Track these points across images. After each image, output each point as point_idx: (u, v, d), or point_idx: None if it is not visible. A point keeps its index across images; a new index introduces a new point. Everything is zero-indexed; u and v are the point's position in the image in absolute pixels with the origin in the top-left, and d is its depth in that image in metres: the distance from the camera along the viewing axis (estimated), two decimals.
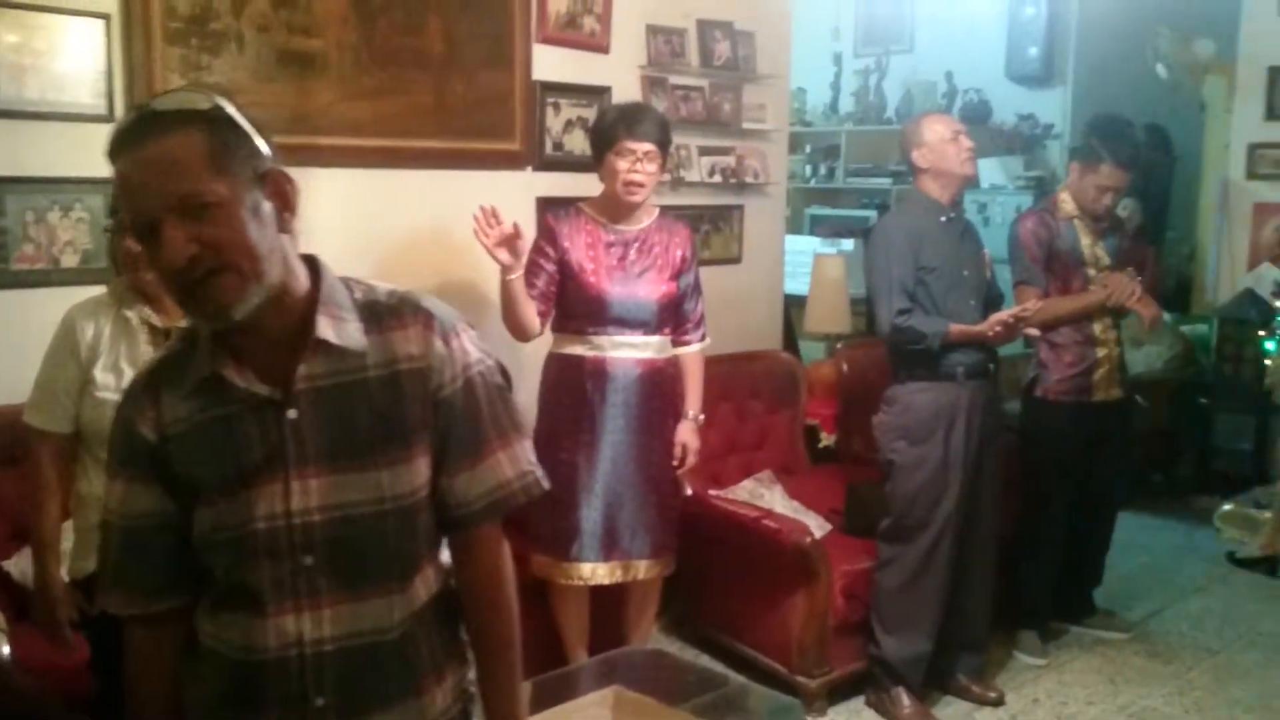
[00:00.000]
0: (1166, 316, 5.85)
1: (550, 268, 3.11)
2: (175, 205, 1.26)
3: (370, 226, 3.27)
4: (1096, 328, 3.71)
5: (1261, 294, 5.56)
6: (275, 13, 3.00)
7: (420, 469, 1.43)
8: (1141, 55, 6.55)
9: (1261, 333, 5.25)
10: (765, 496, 3.81)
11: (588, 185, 3.28)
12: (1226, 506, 5.25)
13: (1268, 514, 5.06)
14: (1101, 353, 3.72)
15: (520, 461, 1.50)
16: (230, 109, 1.35)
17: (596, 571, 3.13)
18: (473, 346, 1.48)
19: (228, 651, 1.42)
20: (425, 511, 1.46)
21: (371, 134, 3.23)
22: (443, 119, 3.39)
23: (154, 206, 1.27)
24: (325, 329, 1.38)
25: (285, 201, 1.38)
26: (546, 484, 1.54)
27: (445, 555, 1.54)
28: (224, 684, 1.43)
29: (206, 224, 1.27)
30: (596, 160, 3.15)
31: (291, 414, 1.37)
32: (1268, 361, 5.20)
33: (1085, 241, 3.71)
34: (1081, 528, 3.89)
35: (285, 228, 1.38)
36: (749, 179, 4.28)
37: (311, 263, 1.44)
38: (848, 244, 6.30)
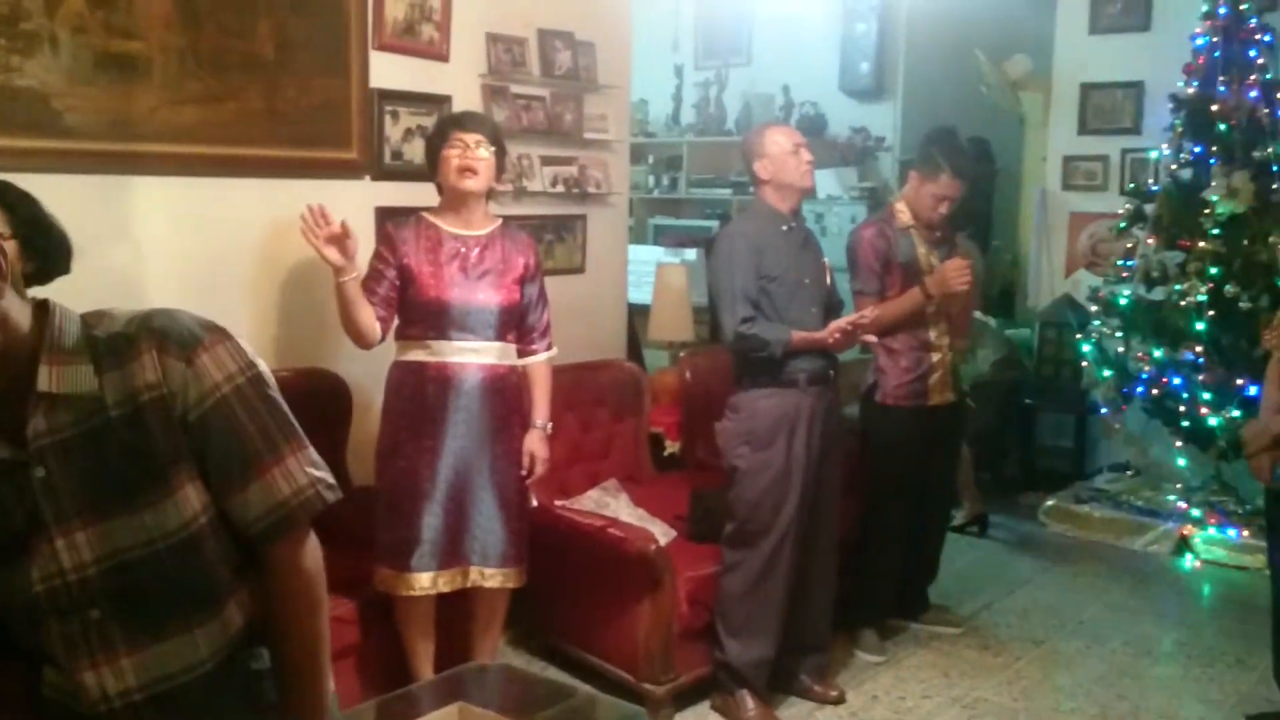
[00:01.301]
0: (991, 322, 6.13)
1: (390, 274, 3.06)
2: None
3: (200, 237, 3.15)
4: (932, 334, 3.84)
5: (1079, 299, 5.88)
6: (92, 13, 2.85)
7: (188, 500, 1.37)
8: (965, 71, 6.85)
9: (1079, 336, 5.54)
10: (611, 505, 3.81)
11: (428, 195, 3.24)
12: (1050, 502, 5.55)
13: (1086, 508, 5.36)
14: (936, 358, 3.86)
15: (296, 477, 1.42)
16: None
17: (437, 580, 3.08)
18: (230, 359, 1.39)
19: (67, 701, 1.39)
20: (212, 538, 1.40)
21: (199, 141, 3.10)
22: (275, 126, 3.28)
23: None
24: (46, 381, 1.31)
25: None
26: (332, 495, 1.46)
27: None
28: None
29: None
30: (431, 165, 3.13)
31: (39, 472, 1.31)
32: (1085, 363, 5.49)
33: (921, 250, 3.84)
34: (917, 527, 4.02)
35: None
36: (591, 189, 4.29)
37: (40, 307, 1.35)
38: (691, 253, 6.40)
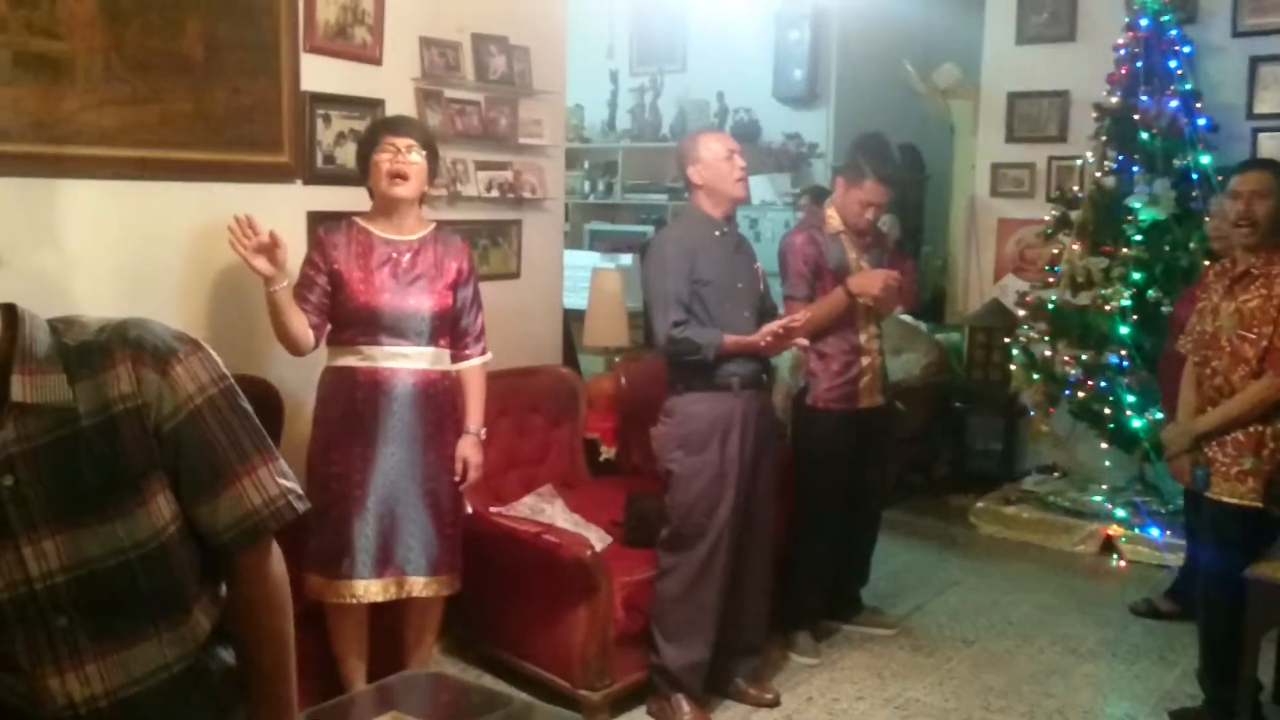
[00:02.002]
0: (922, 326, 6.23)
1: (322, 280, 3.03)
2: None
3: (128, 241, 3.09)
4: (861, 337, 3.89)
5: (1006, 303, 5.99)
6: (13, 12, 2.79)
7: (159, 510, 1.37)
8: (897, 79, 6.96)
9: (1007, 340, 5.64)
10: (546, 511, 3.81)
11: (361, 199, 3.21)
12: (980, 504, 5.64)
13: (1015, 509, 5.46)
14: (866, 361, 3.91)
15: (267, 487, 1.44)
16: None
17: (370, 589, 3.05)
18: (203, 370, 1.40)
19: (28, 709, 1.37)
20: (180, 547, 1.40)
21: (125, 144, 3.04)
22: (204, 129, 3.23)
23: None
24: (19, 390, 1.30)
25: None
26: (302, 505, 1.48)
27: None
28: None
29: None
30: (362, 170, 3.12)
31: (8, 480, 1.30)
32: (1013, 366, 5.60)
33: (851, 255, 3.89)
34: (849, 529, 4.07)
35: None
36: (527, 194, 4.28)
37: (9, 313, 1.34)
38: (627, 259, 6.41)
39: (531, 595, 3.50)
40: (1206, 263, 4.76)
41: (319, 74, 3.51)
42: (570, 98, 5.26)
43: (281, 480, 1.46)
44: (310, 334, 3.01)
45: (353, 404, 3.03)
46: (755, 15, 7.22)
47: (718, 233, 3.41)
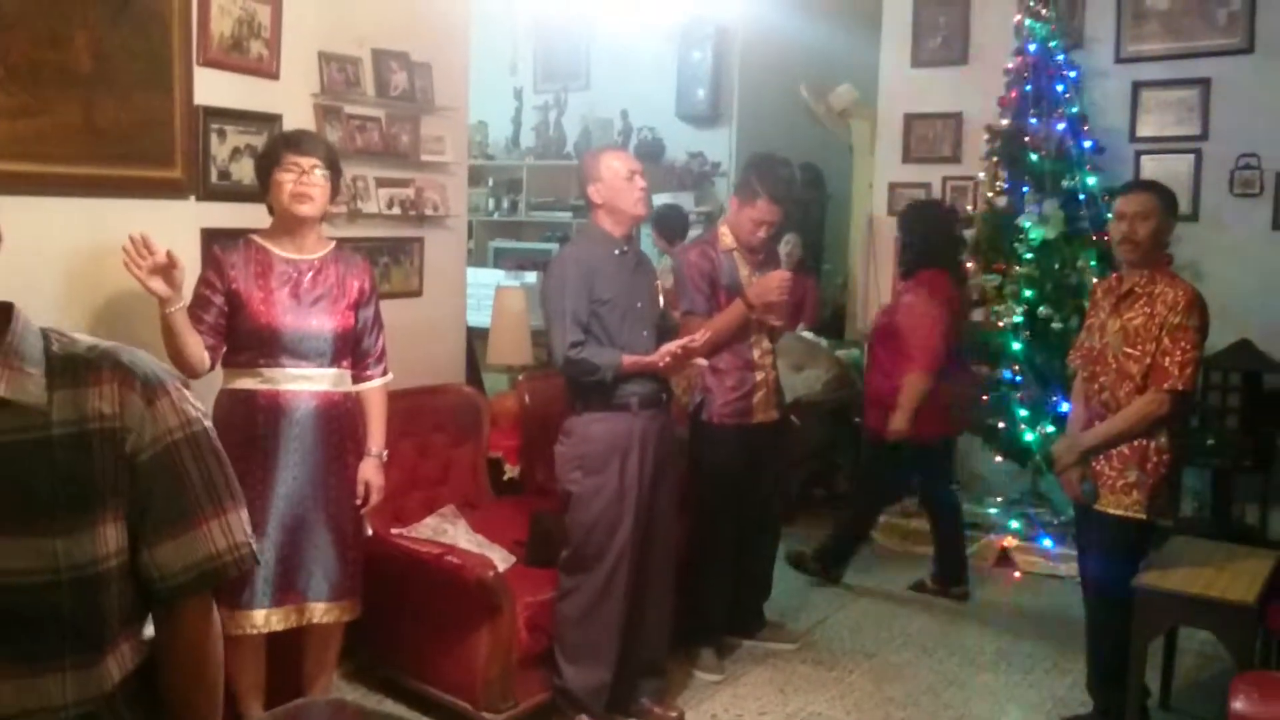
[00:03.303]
0: (823, 342, 6.31)
1: (219, 300, 2.96)
2: None
3: (10, 259, 2.95)
4: (755, 353, 3.94)
5: None
6: None
7: (107, 538, 1.33)
8: (798, 99, 7.07)
9: None
10: (449, 532, 3.77)
11: (257, 216, 3.15)
12: (881, 518, 5.70)
13: (914, 522, 5.55)
14: (759, 376, 3.95)
15: (234, 532, 1.43)
16: None
17: (270, 618, 2.98)
18: (188, 407, 1.40)
19: None
20: (117, 583, 1.35)
21: (7, 157, 2.94)
22: (93, 143, 3.13)
23: None
24: None
25: None
26: (256, 563, 1.47)
27: (149, 629, 1.44)
28: None
29: None
30: (263, 186, 3.05)
31: None
32: None
33: (744, 272, 3.93)
34: (749, 544, 4.10)
35: None
36: (429, 211, 4.24)
37: (5, 310, 1.33)
38: (531, 276, 6.40)
39: (434, 617, 3.46)
40: (1094, 280, 4.94)
41: (214, 88, 3.44)
42: (474, 114, 5.24)
43: (246, 530, 1.45)
44: (207, 356, 2.93)
45: (253, 428, 2.96)
46: (659, 35, 7.28)
47: (618, 251, 3.42)
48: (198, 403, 1.43)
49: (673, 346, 3.31)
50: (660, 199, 6.68)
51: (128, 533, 1.36)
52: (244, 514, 1.46)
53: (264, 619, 2.97)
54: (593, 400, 3.34)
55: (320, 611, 3.07)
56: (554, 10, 7.29)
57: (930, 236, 4.71)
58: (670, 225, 6.26)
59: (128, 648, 1.40)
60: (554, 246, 7.20)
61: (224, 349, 3.00)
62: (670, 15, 6.97)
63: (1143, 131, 5.65)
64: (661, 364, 3.33)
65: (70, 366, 1.34)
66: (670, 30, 7.35)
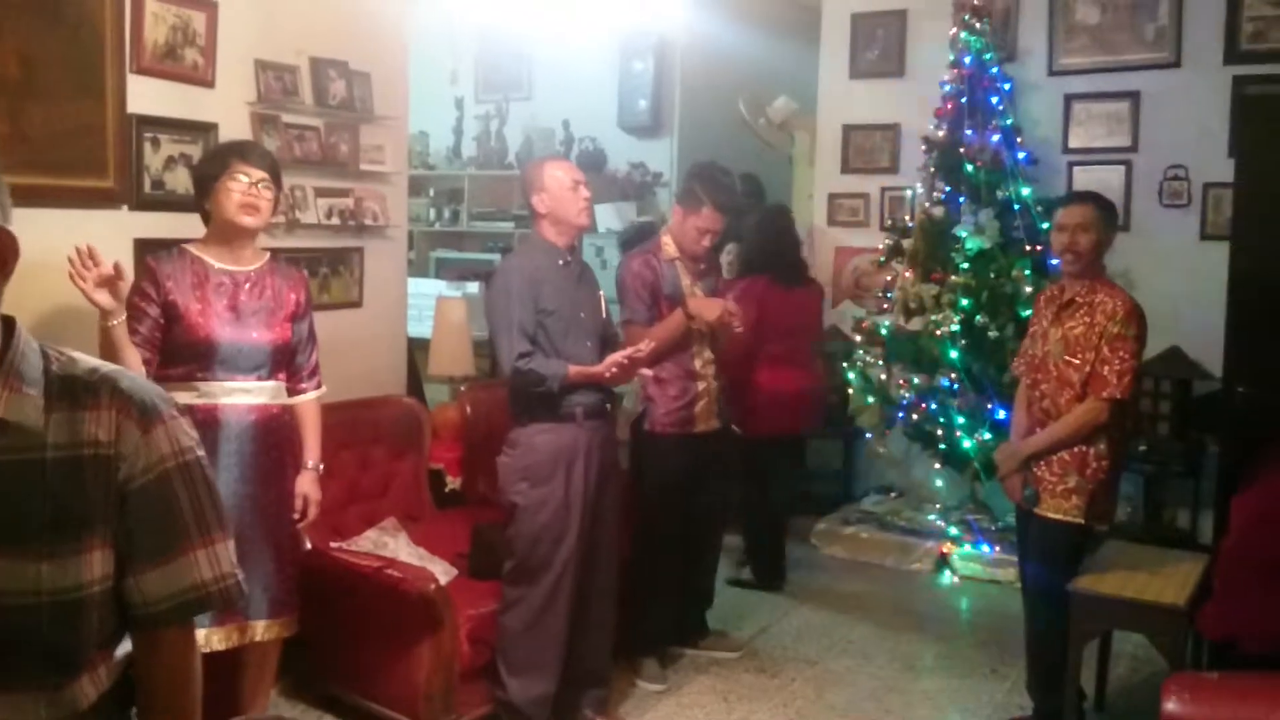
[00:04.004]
0: None
1: (154, 312, 2.90)
2: None
3: None
4: (697, 363, 3.95)
5: (844, 329, 6.15)
6: None
7: (93, 564, 1.31)
8: (738, 110, 7.10)
9: (845, 365, 5.80)
10: (390, 545, 3.73)
11: (191, 226, 3.10)
12: (821, 525, 5.76)
13: (854, 529, 5.59)
14: (701, 386, 3.97)
15: (221, 562, 1.42)
16: None
17: (211, 638, 2.92)
18: (183, 436, 1.39)
19: None
20: (98, 609, 1.34)
21: None
22: (21, 151, 3.06)
23: None
24: None
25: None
26: (245, 590, 1.46)
27: (124, 647, 1.42)
28: None
29: None
30: (203, 195, 2.99)
31: None
32: (850, 390, 5.75)
33: (686, 282, 3.95)
34: (691, 553, 4.11)
35: None
36: (368, 221, 4.21)
37: (8, 324, 1.32)
38: (473, 287, 6.36)
39: (374, 631, 3.42)
40: (1029, 289, 5.02)
41: (147, 96, 3.39)
42: (414, 124, 5.21)
43: (233, 560, 1.44)
44: (143, 370, 2.86)
45: None
46: (600, 45, 7.27)
47: (561, 261, 3.42)
48: (191, 430, 1.42)
49: (618, 357, 3.31)
50: (602, 209, 6.67)
51: (114, 559, 1.34)
52: (231, 544, 1.45)
53: (204, 639, 2.91)
54: (538, 411, 3.33)
55: (261, 630, 3.02)
56: (495, 20, 7.27)
57: (757, 244, 4.93)
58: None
59: (104, 668, 1.39)
60: (496, 257, 7.16)
61: (156, 361, 2.94)
62: (611, 26, 6.97)
63: (1074, 143, 5.74)
64: (607, 375, 3.32)
65: (69, 389, 1.32)
66: (612, 41, 7.36)
